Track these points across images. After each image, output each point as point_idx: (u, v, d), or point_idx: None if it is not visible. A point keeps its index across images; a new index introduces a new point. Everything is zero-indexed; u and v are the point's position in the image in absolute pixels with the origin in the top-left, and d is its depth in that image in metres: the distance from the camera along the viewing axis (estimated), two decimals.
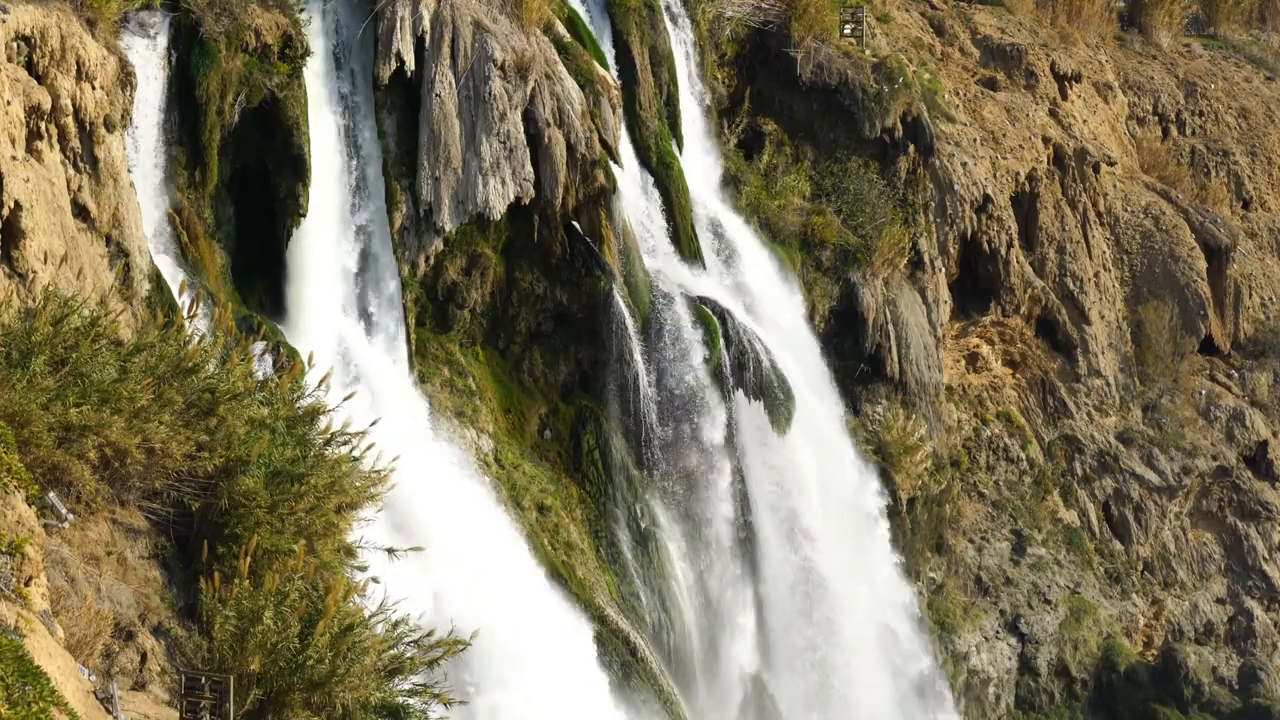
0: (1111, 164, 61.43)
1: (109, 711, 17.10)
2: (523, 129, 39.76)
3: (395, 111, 39.03)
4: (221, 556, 21.06)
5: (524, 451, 40.99)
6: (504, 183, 39.36)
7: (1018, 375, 57.56)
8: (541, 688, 34.47)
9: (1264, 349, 63.02)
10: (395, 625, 21.28)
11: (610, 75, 43.54)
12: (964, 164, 54.33)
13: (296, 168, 36.51)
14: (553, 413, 42.06)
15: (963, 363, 56.12)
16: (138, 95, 33.19)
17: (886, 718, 47.04)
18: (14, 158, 27.66)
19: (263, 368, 30.46)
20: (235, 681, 18.79)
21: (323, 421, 24.07)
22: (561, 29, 42.70)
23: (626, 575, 41.27)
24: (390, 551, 24.43)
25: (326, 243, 37.86)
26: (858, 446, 48.23)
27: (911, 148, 51.68)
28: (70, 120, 30.18)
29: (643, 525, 41.94)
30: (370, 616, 20.95)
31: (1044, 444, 57.10)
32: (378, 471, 23.72)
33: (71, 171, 30.35)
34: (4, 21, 28.47)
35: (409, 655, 21.27)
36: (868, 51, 52.78)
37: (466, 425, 39.46)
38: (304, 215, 36.59)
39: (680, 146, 46.17)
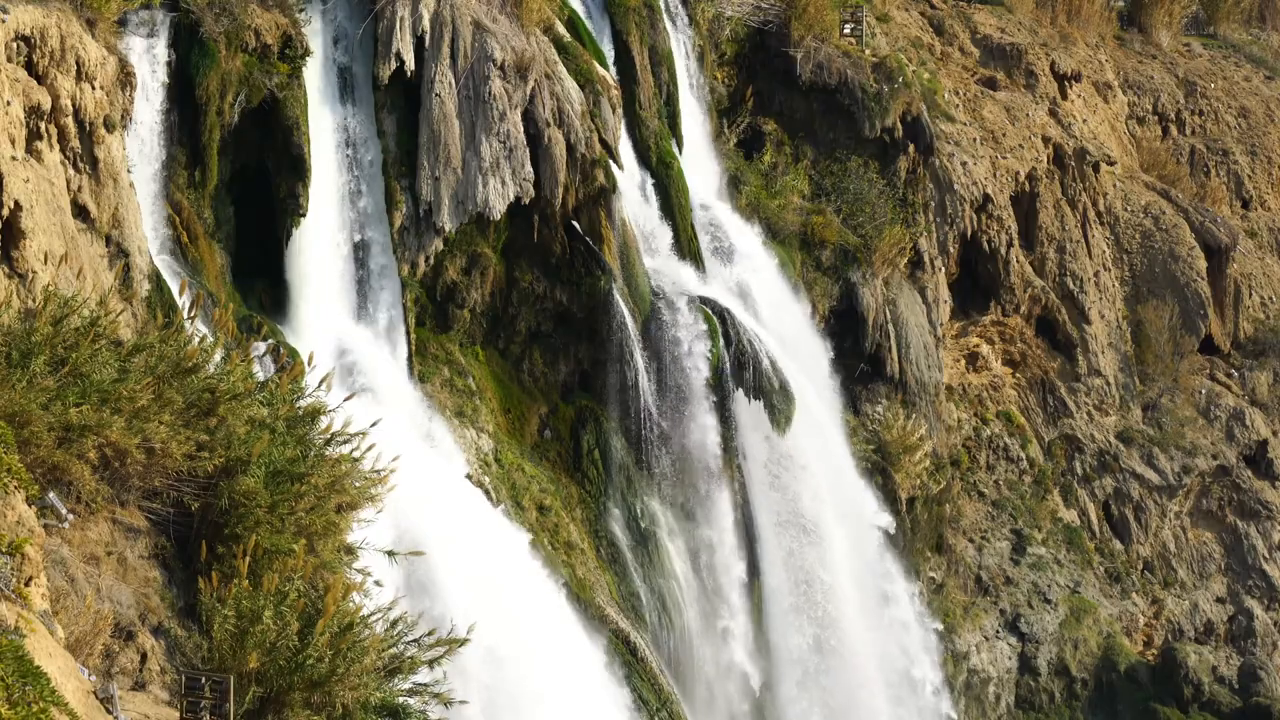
0: (1111, 163, 61.44)
1: (109, 711, 17.10)
2: (523, 129, 39.75)
3: (395, 111, 39.02)
4: (221, 556, 21.01)
5: (524, 451, 40.98)
6: (504, 182, 39.35)
7: (1018, 375, 57.56)
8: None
9: (1264, 348, 63.02)
10: (395, 624, 21.25)
11: (610, 75, 43.52)
12: (964, 164, 54.34)
13: (296, 168, 36.50)
14: (553, 412, 42.05)
15: (963, 362, 56.12)
16: (137, 95, 33.19)
17: (886, 714, 47.05)
18: (14, 158, 27.65)
19: (263, 368, 30.43)
20: (235, 681, 18.78)
21: (323, 421, 24.03)
22: (561, 29, 42.68)
23: (626, 575, 41.26)
24: (390, 554, 24.41)
25: (326, 243, 37.85)
26: (857, 446, 48.23)
27: (911, 147, 51.67)
28: (70, 120, 30.17)
29: (643, 525, 41.94)
30: (369, 615, 20.93)
31: (1044, 443, 57.11)
32: (378, 471, 23.69)
33: (71, 171, 30.33)
34: (4, 21, 28.47)
35: (409, 655, 21.24)
36: (867, 51, 52.77)
37: (466, 425, 39.45)
38: (304, 215, 36.57)
39: (680, 146, 46.15)
